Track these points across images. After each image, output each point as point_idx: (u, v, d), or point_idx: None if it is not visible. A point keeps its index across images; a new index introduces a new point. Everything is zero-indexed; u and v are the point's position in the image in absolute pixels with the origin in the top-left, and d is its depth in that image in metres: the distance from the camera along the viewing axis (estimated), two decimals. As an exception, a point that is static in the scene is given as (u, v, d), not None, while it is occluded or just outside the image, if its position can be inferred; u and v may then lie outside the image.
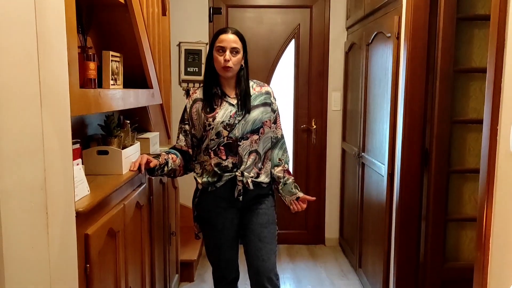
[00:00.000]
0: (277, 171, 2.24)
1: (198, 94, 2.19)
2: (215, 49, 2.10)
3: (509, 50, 1.43)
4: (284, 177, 2.24)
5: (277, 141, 2.26)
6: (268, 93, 2.23)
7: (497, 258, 1.50)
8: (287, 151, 2.30)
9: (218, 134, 2.10)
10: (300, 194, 2.23)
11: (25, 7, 1.10)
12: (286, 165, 2.27)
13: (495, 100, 1.49)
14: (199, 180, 2.17)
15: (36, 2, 1.14)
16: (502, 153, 1.46)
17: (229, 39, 2.08)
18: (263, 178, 2.18)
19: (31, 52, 1.12)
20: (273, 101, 2.24)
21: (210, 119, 2.11)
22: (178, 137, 2.22)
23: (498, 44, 1.47)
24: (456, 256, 2.58)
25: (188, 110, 2.19)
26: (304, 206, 2.24)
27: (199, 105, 2.16)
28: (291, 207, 2.25)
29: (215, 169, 2.12)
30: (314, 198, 2.27)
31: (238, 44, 2.10)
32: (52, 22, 1.23)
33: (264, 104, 2.19)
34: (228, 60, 2.07)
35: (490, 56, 1.52)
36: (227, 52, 2.07)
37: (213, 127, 2.10)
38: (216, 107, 2.13)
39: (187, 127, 2.19)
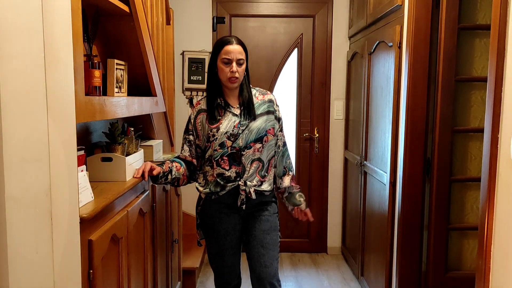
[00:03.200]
0: (285, 180, 2.29)
1: (202, 104, 2.20)
2: (221, 61, 2.10)
3: (510, 59, 1.45)
4: (290, 187, 2.29)
5: (281, 149, 2.27)
6: (271, 101, 2.24)
7: (498, 266, 1.50)
8: (289, 157, 2.33)
9: (222, 145, 2.11)
10: (303, 207, 2.29)
11: (32, 16, 1.12)
12: (290, 172, 2.31)
13: (496, 109, 1.50)
14: (202, 190, 2.18)
15: (44, 11, 1.16)
16: (503, 161, 1.47)
17: (235, 50, 2.08)
18: (266, 186, 2.19)
19: (38, 60, 1.14)
20: (276, 108, 2.25)
21: (214, 130, 2.12)
22: (182, 147, 2.24)
23: (499, 54, 1.48)
24: (459, 265, 2.57)
25: (192, 120, 2.20)
26: (305, 218, 2.31)
27: (203, 116, 2.17)
28: (293, 212, 2.29)
29: (218, 179, 2.13)
30: (312, 219, 2.36)
31: (243, 55, 2.11)
32: (58, 31, 1.25)
33: (268, 112, 2.20)
34: (235, 72, 2.08)
35: (490, 65, 1.54)
36: (234, 64, 2.07)
37: (217, 138, 2.11)
38: (220, 118, 2.14)
39: (191, 137, 2.20)
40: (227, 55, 2.08)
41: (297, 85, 4.00)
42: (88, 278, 1.47)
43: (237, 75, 2.09)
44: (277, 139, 2.24)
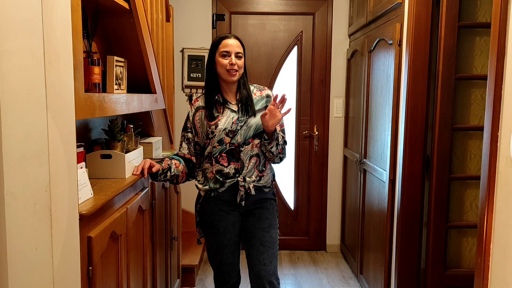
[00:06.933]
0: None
1: (200, 102, 2.20)
2: (220, 54, 2.11)
3: (510, 57, 1.44)
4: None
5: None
6: (268, 96, 2.24)
7: (497, 264, 1.50)
8: (285, 149, 2.20)
9: (221, 141, 2.11)
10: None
11: (32, 13, 1.12)
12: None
13: (496, 107, 1.50)
14: (201, 187, 2.18)
15: (43, 7, 1.16)
16: (503, 160, 1.47)
17: (234, 43, 2.11)
18: (265, 181, 2.19)
19: (38, 56, 1.14)
20: (273, 104, 2.25)
21: (213, 127, 2.12)
22: (181, 145, 2.24)
23: (499, 52, 1.48)
24: (458, 263, 2.58)
25: (191, 118, 2.21)
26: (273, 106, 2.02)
27: (201, 113, 2.18)
28: (266, 117, 2.04)
29: (217, 176, 2.13)
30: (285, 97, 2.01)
31: (241, 49, 2.13)
32: (58, 28, 1.25)
33: (265, 108, 2.20)
34: (234, 64, 2.09)
35: (490, 63, 1.54)
36: (233, 56, 2.09)
37: (215, 135, 2.11)
38: (218, 114, 2.14)
39: (190, 135, 2.20)
40: (226, 48, 2.10)
41: (297, 82, 4.00)
42: (87, 274, 1.48)
43: (236, 67, 2.10)
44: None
